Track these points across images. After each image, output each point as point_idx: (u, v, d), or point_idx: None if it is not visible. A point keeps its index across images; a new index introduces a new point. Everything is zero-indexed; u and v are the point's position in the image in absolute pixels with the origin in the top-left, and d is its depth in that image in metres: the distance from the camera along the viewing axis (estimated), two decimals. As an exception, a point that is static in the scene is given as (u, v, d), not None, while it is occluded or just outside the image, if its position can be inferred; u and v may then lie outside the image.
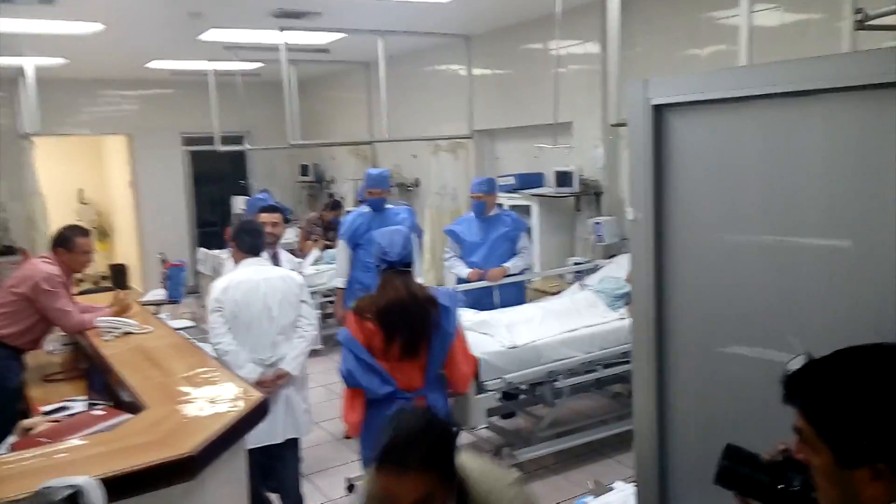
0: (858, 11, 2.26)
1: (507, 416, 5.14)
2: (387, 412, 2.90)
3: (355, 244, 5.42)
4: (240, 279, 3.67)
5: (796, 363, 1.18)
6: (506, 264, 5.24)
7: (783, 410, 1.16)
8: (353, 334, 3.17)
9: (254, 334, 3.62)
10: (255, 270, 3.72)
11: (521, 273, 5.38)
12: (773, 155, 1.64)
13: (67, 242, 3.98)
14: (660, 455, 2.02)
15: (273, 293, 3.65)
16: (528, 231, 5.60)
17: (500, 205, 5.82)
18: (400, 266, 3.21)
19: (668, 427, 1.99)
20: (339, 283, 5.53)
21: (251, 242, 3.81)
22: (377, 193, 5.47)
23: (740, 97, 1.65)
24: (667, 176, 1.83)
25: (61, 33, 5.96)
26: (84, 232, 4.13)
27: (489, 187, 5.43)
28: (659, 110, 1.82)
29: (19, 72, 7.32)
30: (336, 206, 8.32)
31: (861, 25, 2.25)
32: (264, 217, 4.55)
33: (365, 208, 5.56)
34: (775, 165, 1.64)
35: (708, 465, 1.32)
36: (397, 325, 3.11)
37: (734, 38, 3.36)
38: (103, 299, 4.56)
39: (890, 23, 2.29)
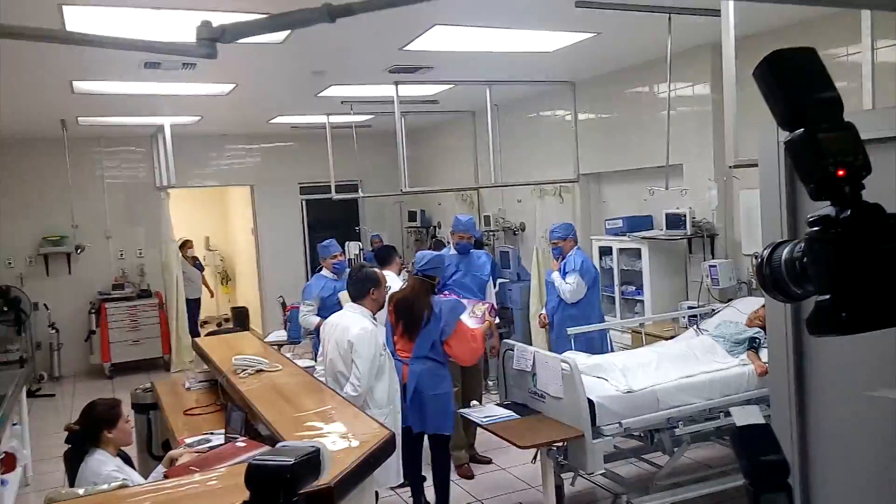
0: None
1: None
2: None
3: (442, 286, 5.51)
4: (330, 320, 4.18)
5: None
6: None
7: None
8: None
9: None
10: (342, 315, 4.13)
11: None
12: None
13: None
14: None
15: (332, 340, 4.01)
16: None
17: (556, 248, 5.87)
18: (421, 275, 4.42)
19: (811, 477, 1.92)
20: None
21: (351, 290, 4.19)
22: (467, 238, 5.62)
23: (887, 138, 1.63)
24: (801, 217, 1.81)
25: (197, 94, 6.49)
26: None
27: (555, 233, 5.78)
28: (792, 152, 1.81)
29: (158, 129, 8.04)
30: (438, 246, 8.47)
31: None
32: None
33: (450, 251, 5.68)
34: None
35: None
36: (401, 314, 4.40)
37: (854, 75, 3.26)
38: (229, 340, 4.88)
39: None
